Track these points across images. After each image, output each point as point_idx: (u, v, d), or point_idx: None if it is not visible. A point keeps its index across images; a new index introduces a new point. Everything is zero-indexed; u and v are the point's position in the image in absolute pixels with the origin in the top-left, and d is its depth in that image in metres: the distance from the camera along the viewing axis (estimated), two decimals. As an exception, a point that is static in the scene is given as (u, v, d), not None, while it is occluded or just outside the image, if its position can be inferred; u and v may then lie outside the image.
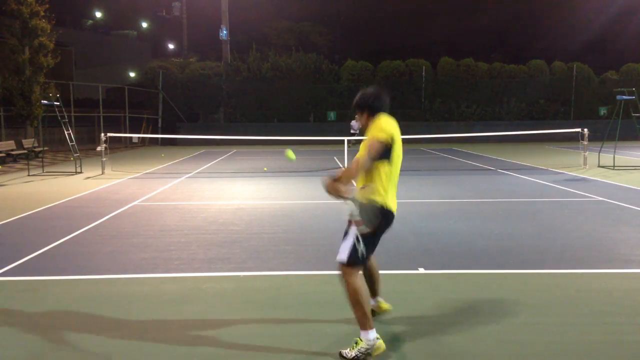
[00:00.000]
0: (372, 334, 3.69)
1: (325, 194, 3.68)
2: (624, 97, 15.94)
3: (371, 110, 3.94)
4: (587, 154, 16.05)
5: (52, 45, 21.84)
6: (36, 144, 21.75)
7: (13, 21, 21.38)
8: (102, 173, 15.42)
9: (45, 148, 20.95)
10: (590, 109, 32.40)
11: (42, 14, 21.50)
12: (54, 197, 11.06)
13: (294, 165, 16.86)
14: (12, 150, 20.15)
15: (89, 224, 8.31)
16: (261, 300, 4.97)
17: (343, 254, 3.76)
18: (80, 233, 7.73)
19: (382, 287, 4.44)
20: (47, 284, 5.52)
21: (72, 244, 7.13)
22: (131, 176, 14.81)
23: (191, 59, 36.79)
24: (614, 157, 16.13)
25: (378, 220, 3.71)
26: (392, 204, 3.85)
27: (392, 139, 3.77)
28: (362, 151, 3.76)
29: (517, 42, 53.19)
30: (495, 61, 34.12)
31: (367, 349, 3.67)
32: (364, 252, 3.73)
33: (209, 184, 13.14)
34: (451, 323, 4.35)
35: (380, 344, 3.73)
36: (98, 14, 53.19)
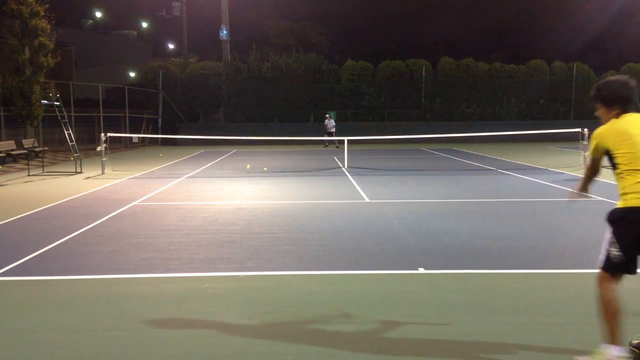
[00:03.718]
0: (615, 351, 3.35)
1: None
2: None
3: (603, 101, 3.53)
4: (587, 154, 16.05)
5: (52, 45, 21.83)
6: (36, 144, 21.74)
7: (13, 21, 21.39)
8: (102, 173, 15.42)
9: (45, 148, 20.96)
10: (590, 109, 32.19)
11: (42, 14, 21.49)
12: (54, 197, 11.06)
13: (294, 165, 16.84)
14: (12, 150, 20.15)
15: (89, 224, 8.31)
16: (261, 300, 4.97)
17: (600, 258, 3.48)
18: (80, 233, 7.73)
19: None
20: (47, 284, 5.52)
21: (72, 244, 7.13)
22: (131, 176, 14.81)
23: (191, 59, 36.75)
24: (614, 157, 16.10)
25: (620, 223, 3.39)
26: (635, 201, 3.34)
27: (602, 147, 3.45)
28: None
29: (517, 42, 53.16)
30: (495, 61, 34.10)
31: None
32: (623, 258, 3.36)
33: (209, 184, 13.14)
34: (451, 323, 4.35)
35: None
36: (98, 14, 53.21)
